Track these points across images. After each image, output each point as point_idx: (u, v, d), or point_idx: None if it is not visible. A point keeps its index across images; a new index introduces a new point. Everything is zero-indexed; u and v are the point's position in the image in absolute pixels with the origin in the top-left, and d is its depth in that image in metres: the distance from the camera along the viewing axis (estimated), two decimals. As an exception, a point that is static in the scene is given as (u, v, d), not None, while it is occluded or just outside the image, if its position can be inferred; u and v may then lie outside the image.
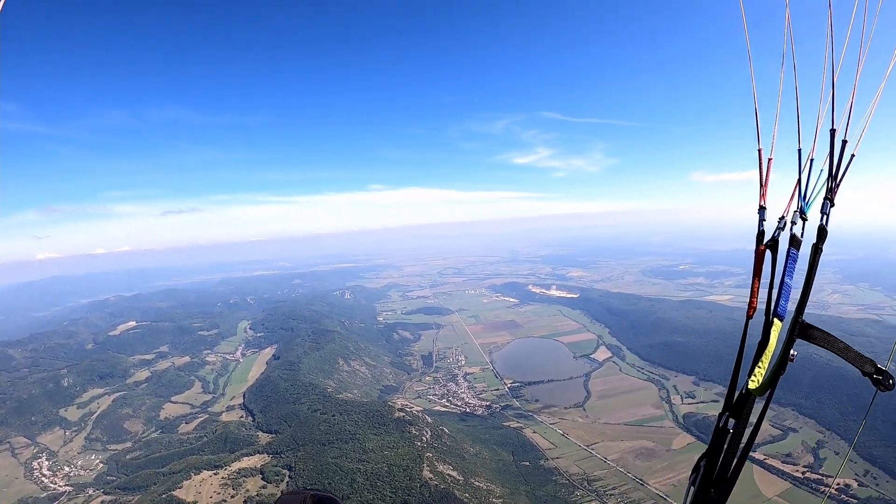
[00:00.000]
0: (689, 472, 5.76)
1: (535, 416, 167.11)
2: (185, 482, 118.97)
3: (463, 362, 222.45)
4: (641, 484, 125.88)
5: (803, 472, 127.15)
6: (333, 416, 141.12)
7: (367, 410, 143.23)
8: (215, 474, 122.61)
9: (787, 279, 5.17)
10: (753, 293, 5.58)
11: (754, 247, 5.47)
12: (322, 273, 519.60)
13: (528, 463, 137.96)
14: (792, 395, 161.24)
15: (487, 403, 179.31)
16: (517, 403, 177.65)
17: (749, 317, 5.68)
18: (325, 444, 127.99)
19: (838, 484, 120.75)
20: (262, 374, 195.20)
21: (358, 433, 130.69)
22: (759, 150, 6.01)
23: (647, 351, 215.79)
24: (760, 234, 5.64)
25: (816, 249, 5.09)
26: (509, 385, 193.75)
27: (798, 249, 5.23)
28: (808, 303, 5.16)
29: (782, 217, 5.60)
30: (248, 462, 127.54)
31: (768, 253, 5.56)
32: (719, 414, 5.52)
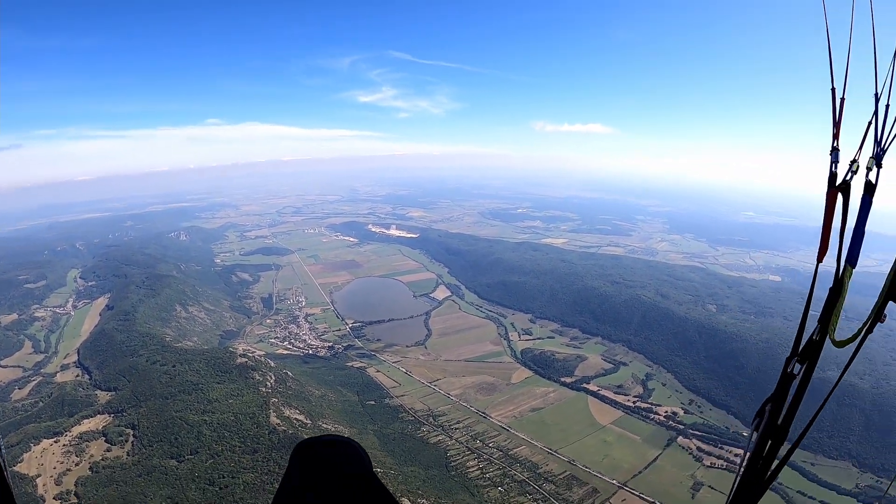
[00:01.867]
0: (752, 417, 5.64)
1: (377, 355, 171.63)
2: (25, 455, 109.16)
3: (303, 303, 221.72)
4: (484, 417, 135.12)
5: (634, 402, 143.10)
6: (174, 366, 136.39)
7: (208, 358, 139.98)
8: (56, 442, 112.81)
9: (860, 226, 5.08)
10: (825, 237, 5.45)
11: (826, 189, 5.44)
12: (156, 214, 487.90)
13: (373, 402, 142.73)
14: (623, 331, 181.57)
15: (330, 344, 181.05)
16: (359, 343, 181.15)
17: (819, 261, 5.59)
18: (167, 398, 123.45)
19: (665, 411, 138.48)
20: (97, 326, 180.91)
21: (201, 383, 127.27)
22: (833, 90, 5.89)
23: (486, 290, 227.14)
24: (832, 175, 5.50)
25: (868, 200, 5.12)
26: (351, 325, 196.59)
27: (872, 196, 5.16)
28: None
29: (854, 160, 5.37)
30: (88, 425, 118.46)
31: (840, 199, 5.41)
32: (787, 358, 5.44)
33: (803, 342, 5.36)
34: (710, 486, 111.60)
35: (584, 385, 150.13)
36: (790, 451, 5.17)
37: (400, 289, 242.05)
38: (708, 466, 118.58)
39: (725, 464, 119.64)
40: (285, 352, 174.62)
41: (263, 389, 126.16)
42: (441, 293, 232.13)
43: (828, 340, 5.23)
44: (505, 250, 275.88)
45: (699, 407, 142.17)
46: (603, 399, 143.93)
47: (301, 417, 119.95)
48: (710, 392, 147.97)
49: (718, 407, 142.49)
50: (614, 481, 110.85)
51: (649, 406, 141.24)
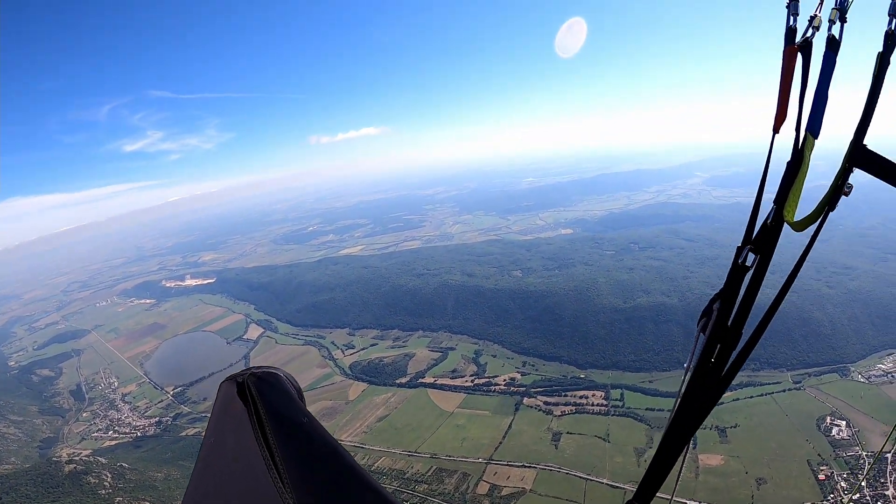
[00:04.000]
0: (698, 318, 5.23)
1: (208, 414, 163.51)
2: None
3: (116, 384, 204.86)
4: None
5: (472, 381, 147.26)
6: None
7: (33, 477, 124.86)
8: None
9: (823, 88, 4.44)
10: (782, 102, 4.82)
11: (783, 46, 4.83)
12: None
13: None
14: (441, 319, 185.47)
15: (157, 420, 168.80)
16: (187, 409, 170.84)
17: (775, 131, 4.99)
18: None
19: (504, 380, 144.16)
20: None
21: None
22: None
23: (297, 316, 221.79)
24: (790, 31, 4.89)
25: (883, 59, 4.29)
26: (172, 392, 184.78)
27: (836, 54, 4.53)
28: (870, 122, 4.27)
29: (814, 16, 4.71)
30: None
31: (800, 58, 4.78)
32: (738, 248, 4.93)
33: (757, 228, 4.96)
34: (567, 433, 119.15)
35: (421, 380, 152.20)
36: (743, 356, 4.75)
37: (211, 340, 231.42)
38: (559, 416, 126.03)
39: (574, 409, 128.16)
40: (113, 442, 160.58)
41: (103, 492, 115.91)
42: (254, 332, 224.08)
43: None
44: (306, 272, 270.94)
45: (533, 366, 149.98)
46: (442, 388, 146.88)
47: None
48: (539, 349, 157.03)
49: (550, 360, 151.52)
50: (480, 460, 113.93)
51: (487, 380, 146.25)
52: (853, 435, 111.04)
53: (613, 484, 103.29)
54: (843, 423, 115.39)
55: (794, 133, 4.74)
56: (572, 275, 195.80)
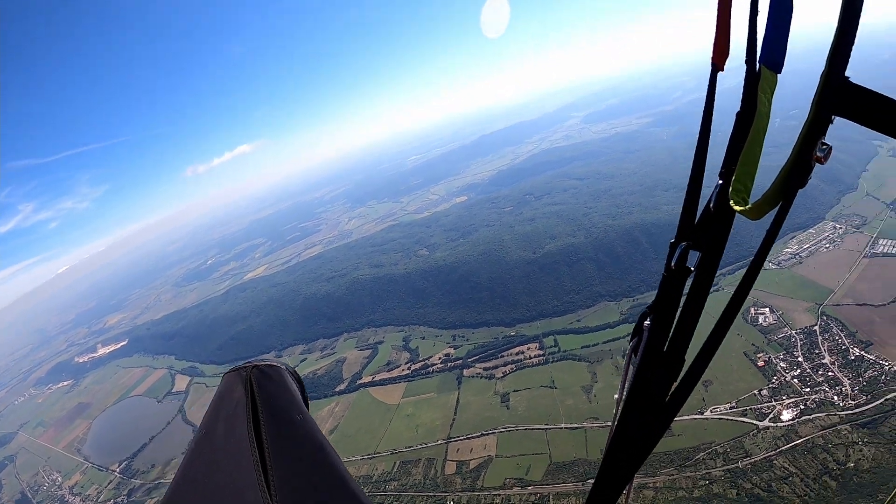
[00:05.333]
0: (629, 338, 4.13)
1: (161, 480, 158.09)
2: None
3: (60, 479, 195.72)
4: None
5: (409, 368, 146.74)
6: None
7: None
8: None
9: (783, 10, 2.93)
10: (722, 22, 3.47)
11: None
12: None
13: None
14: (361, 316, 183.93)
15: (112, 503, 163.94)
16: (138, 481, 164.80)
17: (716, 66, 3.63)
18: None
19: (439, 358, 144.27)
20: None
21: None
22: None
23: (220, 354, 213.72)
24: None
25: None
26: (118, 470, 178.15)
27: None
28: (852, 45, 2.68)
29: None
30: None
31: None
32: (671, 243, 3.76)
33: (699, 214, 3.72)
34: (514, 391, 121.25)
35: (359, 382, 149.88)
36: (690, 381, 3.55)
37: (141, 404, 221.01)
38: (501, 377, 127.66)
39: (514, 367, 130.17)
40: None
41: None
42: (181, 383, 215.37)
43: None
44: (216, 307, 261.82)
45: (463, 337, 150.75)
46: (382, 383, 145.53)
47: None
48: (464, 319, 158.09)
49: (478, 327, 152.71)
50: (439, 441, 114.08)
51: (423, 363, 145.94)
52: (779, 318, 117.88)
53: (571, 426, 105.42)
54: (767, 309, 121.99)
55: (742, 69, 3.29)
56: (477, 239, 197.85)
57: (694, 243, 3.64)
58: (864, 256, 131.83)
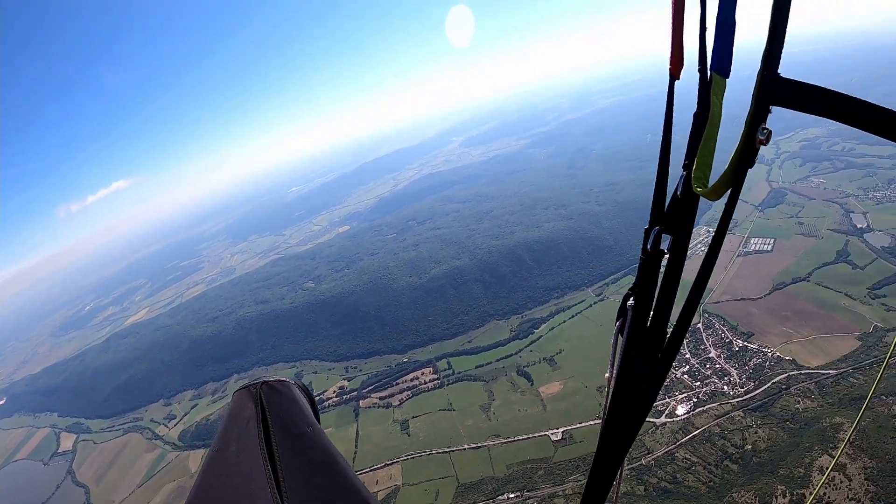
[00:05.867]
0: (615, 319, 4.58)
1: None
2: None
3: None
4: None
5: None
6: None
7: None
8: None
9: (728, 16, 3.42)
10: (676, 36, 3.77)
11: None
12: None
13: None
14: (251, 355, 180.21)
15: None
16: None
17: (674, 76, 3.99)
18: None
19: (333, 391, 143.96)
20: None
21: None
22: None
23: (105, 407, 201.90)
24: None
25: None
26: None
27: None
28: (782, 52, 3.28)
29: None
30: None
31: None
32: (646, 230, 4.28)
33: (668, 201, 4.25)
34: (413, 417, 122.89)
35: None
36: (671, 353, 4.21)
37: (27, 468, 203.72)
38: (399, 405, 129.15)
39: (410, 393, 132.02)
40: None
41: None
42: (67, 441, 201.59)
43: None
44: (97, 356, 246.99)
45: (356, 368, 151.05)
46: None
47: None
48: (356, 350, 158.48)
49: (370, 357, 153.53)
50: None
51: (318, 398, 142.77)
52: None
53: (474, 446, 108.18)
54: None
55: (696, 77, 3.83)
56: (362, 268, 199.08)
57: (665, 227, 4.22)
58: (738, 255, 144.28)
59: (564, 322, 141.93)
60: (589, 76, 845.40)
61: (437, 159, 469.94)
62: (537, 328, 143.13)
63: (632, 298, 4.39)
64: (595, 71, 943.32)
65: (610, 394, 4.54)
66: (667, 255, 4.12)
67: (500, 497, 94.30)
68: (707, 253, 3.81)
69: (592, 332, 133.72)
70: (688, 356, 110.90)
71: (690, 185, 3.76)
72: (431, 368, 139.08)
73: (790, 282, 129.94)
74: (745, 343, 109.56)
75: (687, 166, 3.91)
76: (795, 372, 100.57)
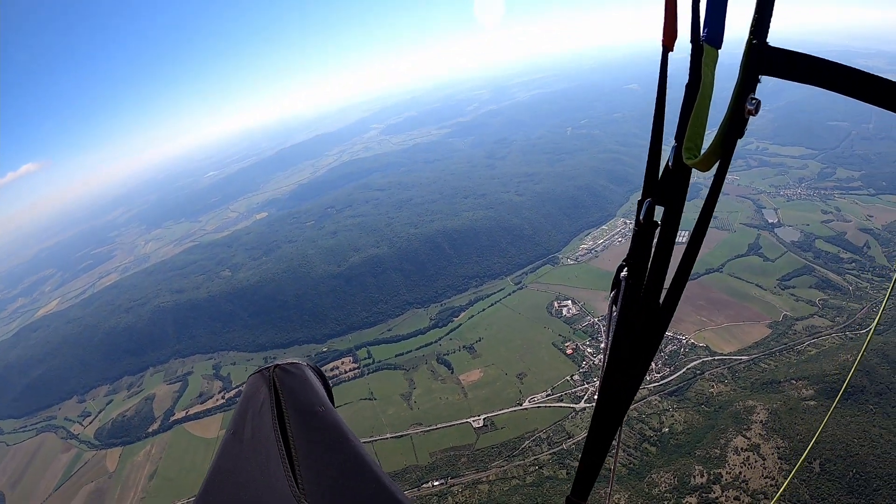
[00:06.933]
0: (608, 291, 4.66)
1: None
2: None
3: None
4: None
5: (223, 397, 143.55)
6: None
7: None
8: None
9: None
10: (669, 8, 3.79)
11: None
12: None
13: None
14: (166, 348, 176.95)
15: None
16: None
17: (666, 47, 3.94)
18: None
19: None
20: None
21: None
22: None
23: (16, 406, 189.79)
24: None
25: None
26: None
27: None
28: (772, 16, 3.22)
29: None
30: None
31: None
32: (639, 201, 4.20)
33: (661, 172, 4.12)
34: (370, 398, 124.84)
35: (172, 419, 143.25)
36: (662, 324, 4.21)
37: None
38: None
39: (330, 382, 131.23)
40: None
41: None
42: None
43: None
44: (6, 352, 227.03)
45: (275, 358, 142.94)
46: (197, 416, 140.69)
47: None
48: (274, 339, 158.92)
49: (289, 346, 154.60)
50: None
51: (237, 390, 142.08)
52: (581, 308, 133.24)
53: (396, 434, 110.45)
54: (569, 302, 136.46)
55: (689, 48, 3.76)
56: (280, 256, 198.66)
57: (657, 199, 4.13)
58: None
59: (484, 310, 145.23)
60: (507, 69, 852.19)
61: (357, 146, 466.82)
62: (457, 316, 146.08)
63: (625, 269, 4.44)
64: (514, 65, 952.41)
65: (605, 364, 4.63)
66: (658, 227, 4.14)
67: (424, 485, 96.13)
68: (696, 223, 3.82)
69: (511, 321, 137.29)
70: (604, 345, 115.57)
71: (681, 155, 3.74)
72: (351, 358, 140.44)
73: (704, 272, 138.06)
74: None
75: (678, 137, 3.84)
76: (709, 358, 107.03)
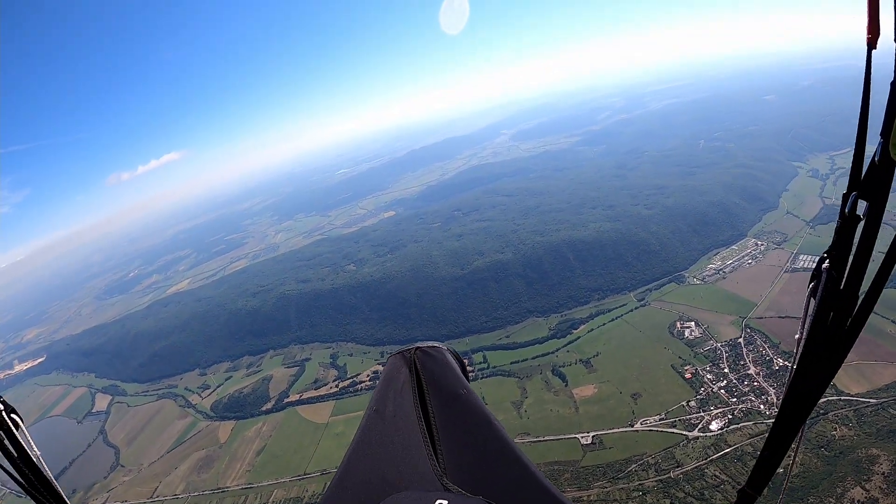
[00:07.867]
0: (808, 282, 4.32)
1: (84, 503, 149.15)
2: None
3: None
4: (221, 490, 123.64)
5: (337, 385, 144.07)
6: None
7: None
8: None
9: None
10: (872, 6, 3.52)
11: None
12: None
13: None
14: (288, 333, 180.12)
15: None
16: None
17: (871, 45, 3.70)
18: None
19: (368, 375, 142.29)
20: None
21: None
22: None
23: (143, 371, 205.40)
24: None
25: None
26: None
27: None
28: None
29: None
30: None
31: None
32: (843, 195, 4.00)
33: (865, 168, 3.88)
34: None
35: (286, 400, 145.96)
36: (860, 320, 3.98)
37: (61, 424, 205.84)
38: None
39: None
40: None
41: None
42: (102, 402, 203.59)
43: None
44: (138, 322, 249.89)
45: (391, 354, 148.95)
46: (310, 402, 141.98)
47: None
48: (393, 336, 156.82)
49: (406, 343, 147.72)
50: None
51: (351, 381, 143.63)
52: (704, 331, 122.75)
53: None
54: (692, 323, 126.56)
55: (893, 45, 3.36)
56: (405, 255, 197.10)
57: (861, 193, 3.85)
58: (785, 271, 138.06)
59: (604, 325, 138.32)
60: (642, 76, 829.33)
61: (486, 151, 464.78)
62: (576, 328, 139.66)
63: (827, 261, 4.13)
64: (647, 72, 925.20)
65: (798, 355, 4.34)
66: (863, 221, 3.87)
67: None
68: None
69: (631, 338, 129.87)
70: (726, 370, 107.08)
71: (888, 152, 3.54)
72: (467, 360, 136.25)
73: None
74: (786, 363, 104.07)
75: (884, 132, 3.56)
76: (835, 397, 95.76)
